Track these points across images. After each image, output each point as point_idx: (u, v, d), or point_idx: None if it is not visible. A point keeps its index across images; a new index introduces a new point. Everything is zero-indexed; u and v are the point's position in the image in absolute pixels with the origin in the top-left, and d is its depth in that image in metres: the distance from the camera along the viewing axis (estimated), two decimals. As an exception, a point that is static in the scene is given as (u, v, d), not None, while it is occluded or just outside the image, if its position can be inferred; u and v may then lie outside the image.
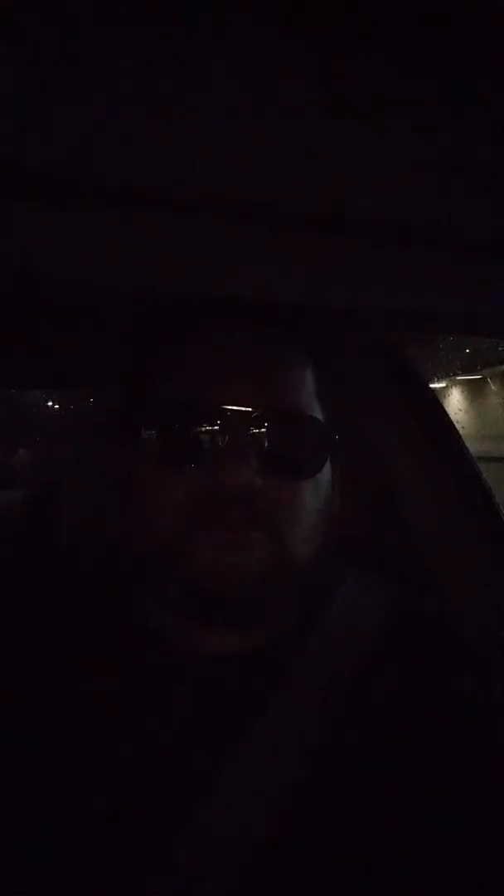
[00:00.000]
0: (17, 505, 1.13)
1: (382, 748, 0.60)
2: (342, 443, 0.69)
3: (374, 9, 0.35)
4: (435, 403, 1.01)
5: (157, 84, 0.38)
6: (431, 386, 1.06)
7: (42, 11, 0.34)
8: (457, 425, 1.03)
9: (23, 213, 0.43)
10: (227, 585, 0.60)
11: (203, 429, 0.63)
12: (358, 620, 0.68)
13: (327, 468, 0.68)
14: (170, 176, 0.44)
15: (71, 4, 0.34)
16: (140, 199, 0.43)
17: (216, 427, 0.62)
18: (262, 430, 0.63)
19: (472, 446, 1.04)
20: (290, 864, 0.56)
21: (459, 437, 1.01)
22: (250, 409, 0.62)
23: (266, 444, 0.63)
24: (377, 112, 0.40)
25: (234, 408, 0.62)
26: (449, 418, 1.01)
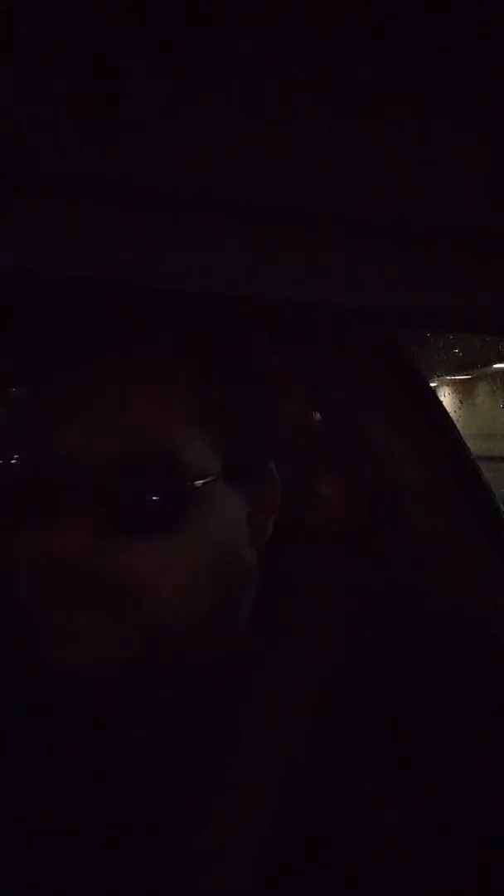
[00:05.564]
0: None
1: (375, 745, 0.59)
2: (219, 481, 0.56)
3: (375, 7, 0.35)
4: (434, 401, 1.01)
5: (156, 84, 0.38)
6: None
7: (42, 11, 0.34)
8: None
9: (22, 212, 0.42)
10: (85, 686, 0.53)
11: (44, 475, 0.52)
12: (330, 613, 0.64)
13: (217, 511, 0.56)
14: (169, 176, 0.43)
15: (72, 4, 0.34)
16: (140, 198, 0.43)
17: (61, 470, 0.52)
18: (110, 475, 0.51)
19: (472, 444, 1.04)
20: (293, 874, 0.56)
21: (459, 435, 1.01)
22: (97, 450, 0.52)
23: (114, 495, 0.51)
24: (377, 111, 0.40)
25: (74, 450, 0.52)
26: (448, 416, 1.02)
